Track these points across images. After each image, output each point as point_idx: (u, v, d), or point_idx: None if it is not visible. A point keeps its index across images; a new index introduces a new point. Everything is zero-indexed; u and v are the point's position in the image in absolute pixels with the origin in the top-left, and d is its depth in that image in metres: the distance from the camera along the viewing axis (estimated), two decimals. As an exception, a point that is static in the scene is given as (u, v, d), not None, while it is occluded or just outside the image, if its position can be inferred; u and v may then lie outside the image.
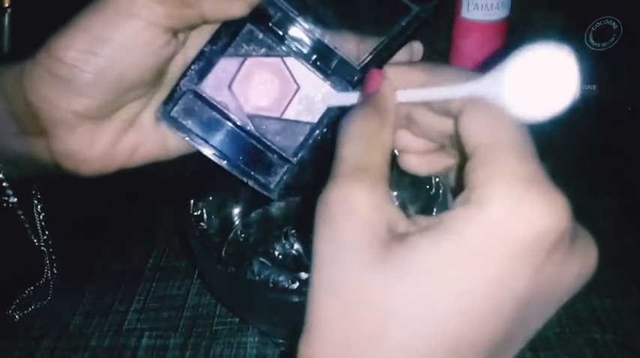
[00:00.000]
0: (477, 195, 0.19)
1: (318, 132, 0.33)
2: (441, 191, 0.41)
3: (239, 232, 0.48)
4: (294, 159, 0.34)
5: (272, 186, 0.34)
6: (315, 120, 0.33)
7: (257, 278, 0.46)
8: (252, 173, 0.33)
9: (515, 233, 0.18)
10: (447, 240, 0.19)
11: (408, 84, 0.25)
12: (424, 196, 0.44)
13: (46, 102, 0.28)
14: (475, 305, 0.19)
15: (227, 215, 0.48)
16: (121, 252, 0.54)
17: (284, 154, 0.33)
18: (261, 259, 0.47)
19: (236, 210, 0.49)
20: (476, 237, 0.18)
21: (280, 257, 0.48)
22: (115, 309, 0.48)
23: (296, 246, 0.49)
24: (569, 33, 0.65)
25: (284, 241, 0.49)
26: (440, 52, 0.64)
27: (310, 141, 0.34)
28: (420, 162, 0.28)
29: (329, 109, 0.33)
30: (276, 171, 0.34)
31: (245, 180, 0.33)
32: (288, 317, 0.38)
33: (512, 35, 0.61)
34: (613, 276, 0.47)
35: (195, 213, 0.45)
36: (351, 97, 0.29)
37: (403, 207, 0.46)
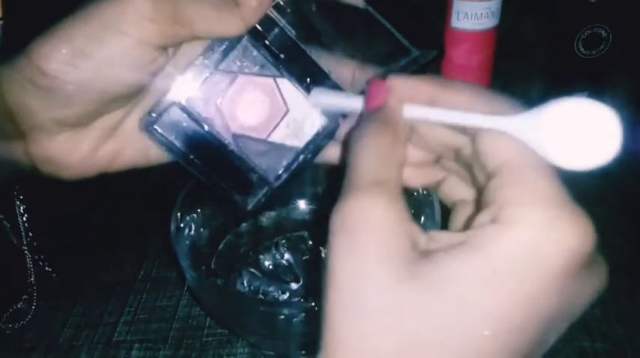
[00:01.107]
0: (506, 214, 0.19)
1: (302, 157, 0.33)
2: (430, 196, 0.41)
3: (229, 243, 0.48)
4: (276, 182, 0.33)
5: (249, 207, 0.33)
6: (301, 145, 0.33)
7: (247, 289, 0.46)
8: (231, 191, 0.33)
9: (546, 255, 0.18)
10: (476, 259, 0.19)
11: (414, 97, 0.24)
12: (411, 200, 0.44)
13: (25, 109, 0.28)
14: (504, 326, 0.19)
15: (217, 226, 0.48)
16: (112, 264, 0.54)
17: (265, 176, 0.33)
18: (251, 270, 0.47)
19: (226, 221, 0.49)
20: (506, 257, 0.18)
21: (270, 267, 0.48)
22: (105, 321, 0.48)
23: (286, 256, 0.49)
24: (559, 41, 0.66)
25: (274, 251, 0.49)
26: (430, 61, 0.64)
27: (294, 165, 0.33)
28: (414, 174, 0.27)
29: (316, 136, 0.33)
30: (256, 192, 0.33)
31: (222, 197, 0.33)
32: (277, 328, 0.38)
33: (503, 44, 0.61)
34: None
35: (185, 225, 0.45)
36: (339, 99, 0.29)
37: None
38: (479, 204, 0.22)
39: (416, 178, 0.27)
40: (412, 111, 0.24)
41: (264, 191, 0.34)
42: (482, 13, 0.58)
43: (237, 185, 0.33)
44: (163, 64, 0.29)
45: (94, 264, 0.53)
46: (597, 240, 0.19)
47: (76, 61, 0.26)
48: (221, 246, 0.48)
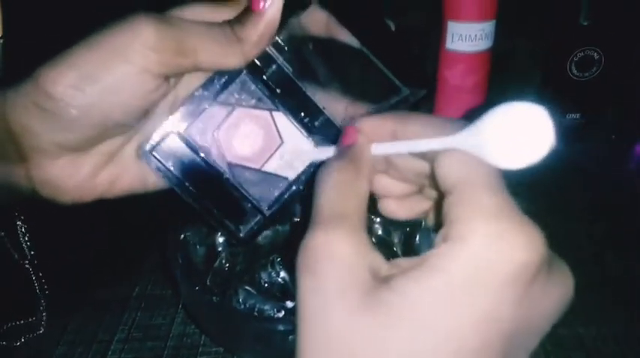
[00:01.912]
0: (457, 231, 0.19)
1: (295, 188, 0.34)
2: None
3: (224, 261, 0.48)
4: (268, 211, 0.34)
5: (241, 235, 0.34)
6: (294, 176, 0.34)
7: (242, 306, 0.46)
8: (224, 220, 0.34)
9: (497, 267, 0.19)
10: (431, 278, 0.19)
11: (380, 134, 0.26)
12: (407, 223, 0.45)
13: (28, 132, 0.28)
14: (465, 344, 0.19)
15: (213, 243, 0.48)
16: (107, 281, 0.53)
17: (258, 205, 0.34)
18: (247, 287, 0.47)
19: (221, 239, 0.49)
20: (460, 273, 0.19)
21: (266, 285, 0.48)
22: (99, 339, 0.48)
23: (282, 274, 0.49)
24: (552, 63, 0.67)
25: (270, 269, 0.49)
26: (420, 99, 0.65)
27: (286, 196, 0.34)
28: (399, 206, 0.28)
29: (309, 167, 0.34)
30: (248, 220, 0.34)
31: (215, 225, 0.34)
32: (273, 346, 0.38)
33: (497, 65, 0.62)
34: (597, 303, 0.48)
35: (181, 243, 0.45)
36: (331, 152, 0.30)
37: (387, 234, 0.46)
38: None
39: (402, 210, 0.28)
40: (379, 148, 0.26)
41: (257, 220, 0.34)
42: (476, 35, 0.59)
43: (230, 213, 0.34)
44: (165, 93, 0.30)
45: (88, 282, 0.53)
46: (547, 251, 0.19)
47: (82, 85, 0.27)
48: (217, 263, 0.48)
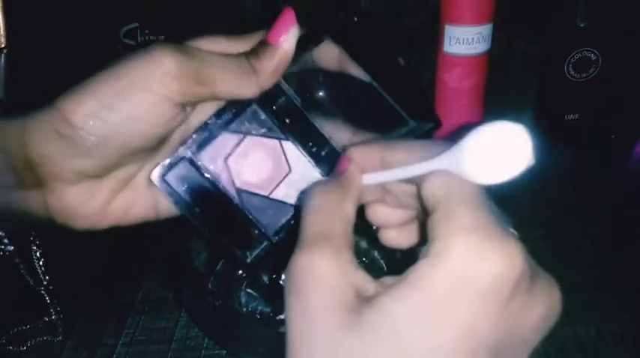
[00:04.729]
0: (435, 247, 0.20)
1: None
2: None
3: (226, 264, 0.49)
4: (275, 238, 0.35)
5: (248, 261, 0.35)
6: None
7: (244, 309, 0.47)
8: (231, 244, 0.34)
9: (474, 282, 0.19)
10: (409, 295, 0.20)
11: (368, 162, 0.26)
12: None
13: (47, 159, 0.29)
14: None
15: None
16: (110, 285, 0.54)
17: (265, 232, 0.35)
18: (249, 290, 0.48)
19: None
20: (437, 289, 0.19)
21: (268, 288, 0.49)
22: (104, 343, 0.48)
23: (284, 276, 0.49)
24: (549, 65, 0.67)
25: (271, 272, 0.50)
26: (425, 85, 0.66)
27: (293, 223, 0.35)
28: (400, 235, 0.29)
29: None
30: (255, 246, 0.35)
31: (222, 250, 0.34)
32: (275, 348, 0.38)
33: (494, 68, 0.63)
34: (597, 303, 0.48)
35: (183, 247, 0.46)
36: None
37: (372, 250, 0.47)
38: None
39: (403, 238, 0.29)
40: (368, 178, 0.26)
41: (264, 246, 0.35)
42: (473, 38, 0.59)
43: (237, 239, 0.35)
44: (182, 121, 0.31)
45: (92, 286, 0.54)
46: (528, 264, 0.20)
47: (102, 114, 0.28)
48: (218, 267, 0.49)
